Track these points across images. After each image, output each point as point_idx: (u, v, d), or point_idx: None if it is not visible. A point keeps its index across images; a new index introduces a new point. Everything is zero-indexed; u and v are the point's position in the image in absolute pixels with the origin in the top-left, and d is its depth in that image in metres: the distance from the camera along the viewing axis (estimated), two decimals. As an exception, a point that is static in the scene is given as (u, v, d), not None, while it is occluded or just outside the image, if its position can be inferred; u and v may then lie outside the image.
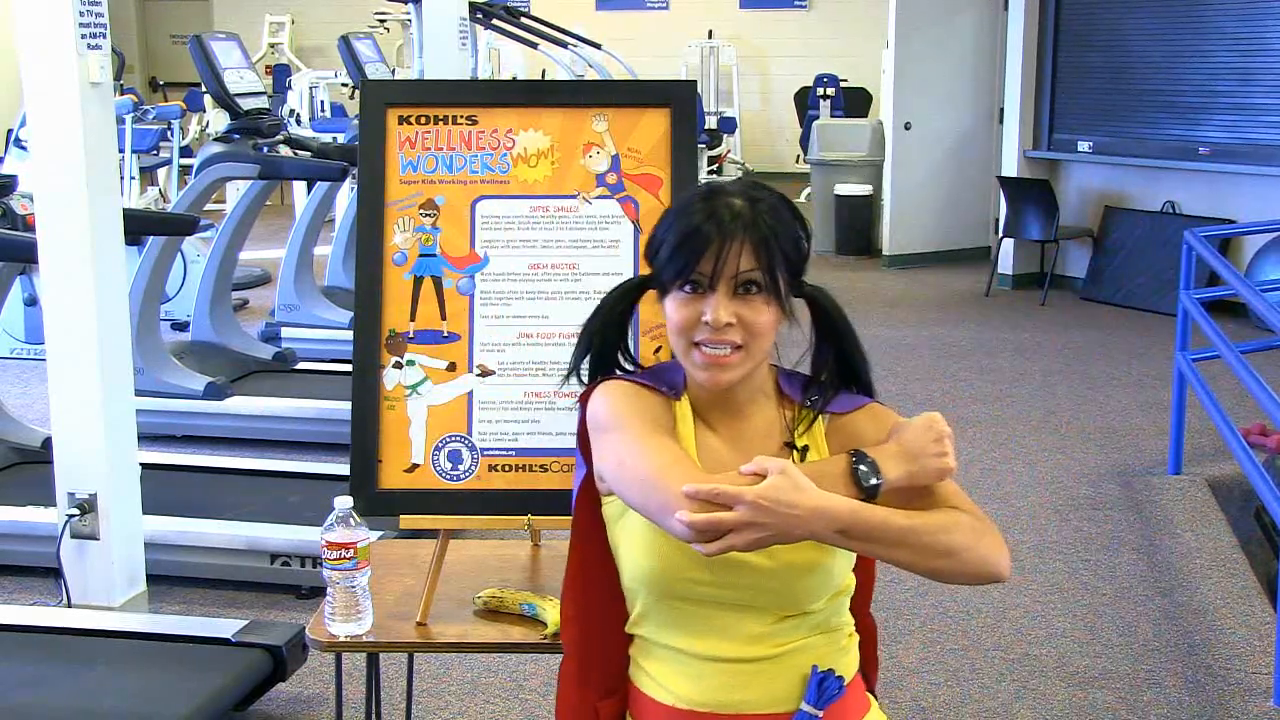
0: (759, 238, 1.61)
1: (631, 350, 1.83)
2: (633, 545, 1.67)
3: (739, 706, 1.64)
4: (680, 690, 1.66)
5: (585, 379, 1.79)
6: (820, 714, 1.62)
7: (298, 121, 11.48)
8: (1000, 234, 8.82)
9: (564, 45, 9.11)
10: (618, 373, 1.78)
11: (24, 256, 4.14)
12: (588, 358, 1.78)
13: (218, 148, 6.15)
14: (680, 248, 1.62)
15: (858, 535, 1.53)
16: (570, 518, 1.76)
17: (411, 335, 2.17)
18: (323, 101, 12.68)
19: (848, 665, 1.71)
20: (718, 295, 1.61)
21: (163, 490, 4.09)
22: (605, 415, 1.68)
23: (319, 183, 6.83)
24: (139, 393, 4.04)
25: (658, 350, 2.13)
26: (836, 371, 1.74)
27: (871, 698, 1.78)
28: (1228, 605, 3.85)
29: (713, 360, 1.63)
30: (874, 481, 1.58)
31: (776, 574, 1.61)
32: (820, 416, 1.71)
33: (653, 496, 1.56)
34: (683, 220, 1.64)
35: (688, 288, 1.63)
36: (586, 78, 9.33)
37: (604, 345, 1.78)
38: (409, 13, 8.35)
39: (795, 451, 1.68)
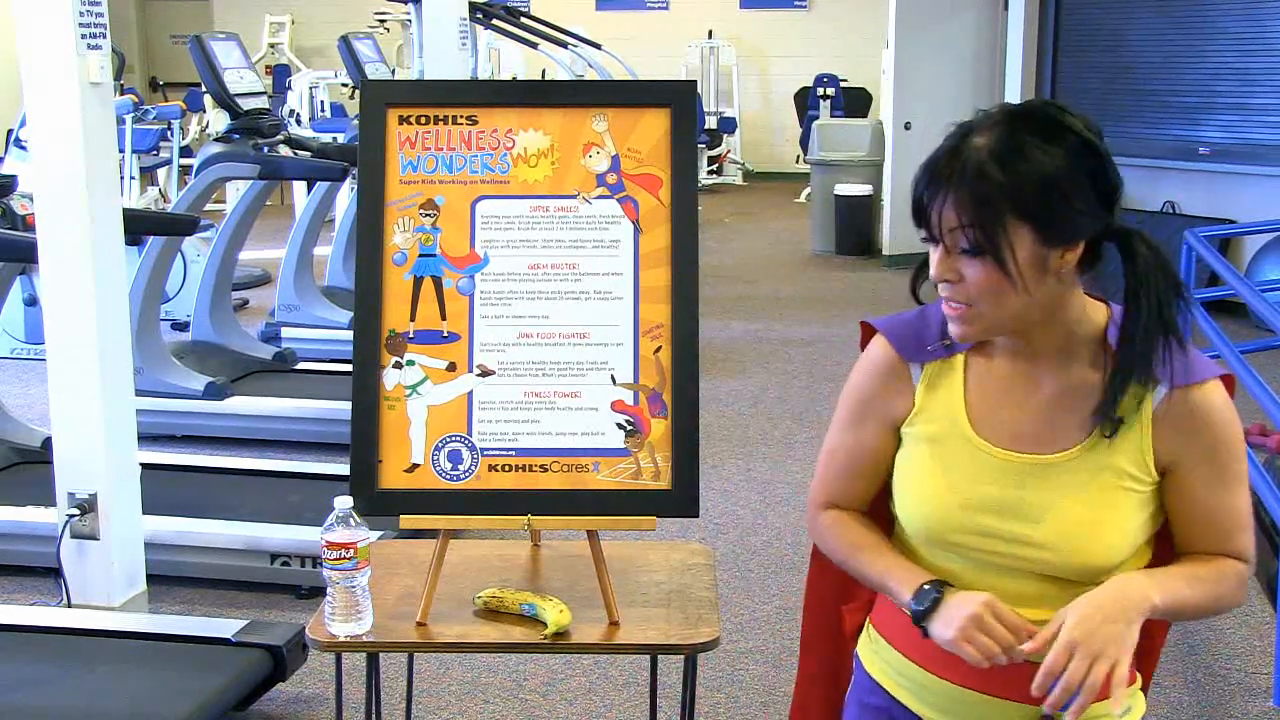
0: (972, 191, 1.42)
1: None
2: (906, 484, 1.58)
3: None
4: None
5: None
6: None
7: (298, 121, 11.48)
8: (1000, 234, 8.82)
9: (564, 45, 9.12)
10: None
11: (24, 256, 4.14)
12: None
13: (218, 148, 6.14)
14: (911, 195, 1.49)
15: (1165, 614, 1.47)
16: (569, 517, 1.73)
17: (411, 335, 2.17)
18: (323, 101, 12.68)
19: None
20: (940, 249, 1.48)
21: (163, 490, 4.09)
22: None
23: (319, 183, 6.83)
24: (139, 393, 4.03)
25: (658, 350, 2.12)
26: (1155, 330, 1.48)
27: (1137, 673, 1.62)
28: (1228, 605, 3.85)
29: (950, 313, 1.52)
30: None
31: (1050, 545, 1.48)
32: (1152, 386, 1.46)
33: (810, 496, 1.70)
34: (923, 163, 1.49)
35: (929, 238, 1.50)
36: (586, 78, 9.33)
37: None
38: (409, 13, 8.36)
39: (1107, 422, 1.45)
